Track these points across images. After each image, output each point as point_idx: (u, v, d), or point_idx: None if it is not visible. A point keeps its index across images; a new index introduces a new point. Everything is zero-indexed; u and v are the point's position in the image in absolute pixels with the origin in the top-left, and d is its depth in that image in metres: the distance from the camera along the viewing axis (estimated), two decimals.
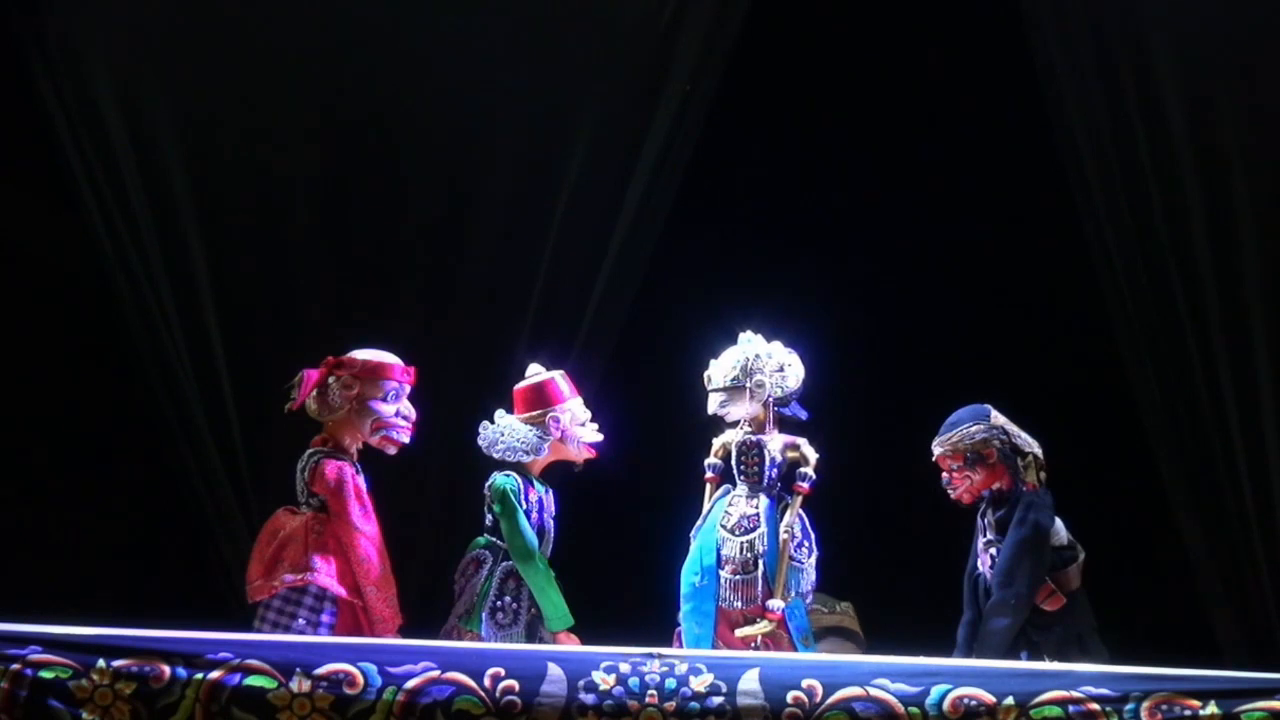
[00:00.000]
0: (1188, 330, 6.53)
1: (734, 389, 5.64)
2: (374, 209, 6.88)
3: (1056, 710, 4.88)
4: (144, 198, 6.79)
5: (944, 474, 5.75)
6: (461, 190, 6.87)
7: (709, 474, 5.74)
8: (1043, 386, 6.73)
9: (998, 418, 5.73)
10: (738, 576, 5.57)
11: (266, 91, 6.86)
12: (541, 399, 5.74)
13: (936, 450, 5.75)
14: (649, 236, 6.81)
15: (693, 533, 5.69)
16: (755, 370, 5.64)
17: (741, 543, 5.59)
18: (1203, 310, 6.53)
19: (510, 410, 5.75)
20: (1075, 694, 4.89)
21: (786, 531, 5.59)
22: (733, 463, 5.68)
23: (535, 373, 5.81)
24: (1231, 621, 6.43)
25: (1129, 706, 4.87)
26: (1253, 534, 6.41)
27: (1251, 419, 6.45)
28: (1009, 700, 4.88)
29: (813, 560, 5.65)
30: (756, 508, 5.62)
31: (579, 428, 5.75)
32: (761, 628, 5.53)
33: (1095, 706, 4.88)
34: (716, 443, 5.76)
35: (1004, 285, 7.01)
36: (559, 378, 5.80)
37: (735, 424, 5.69)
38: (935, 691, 4.89)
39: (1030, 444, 5.72)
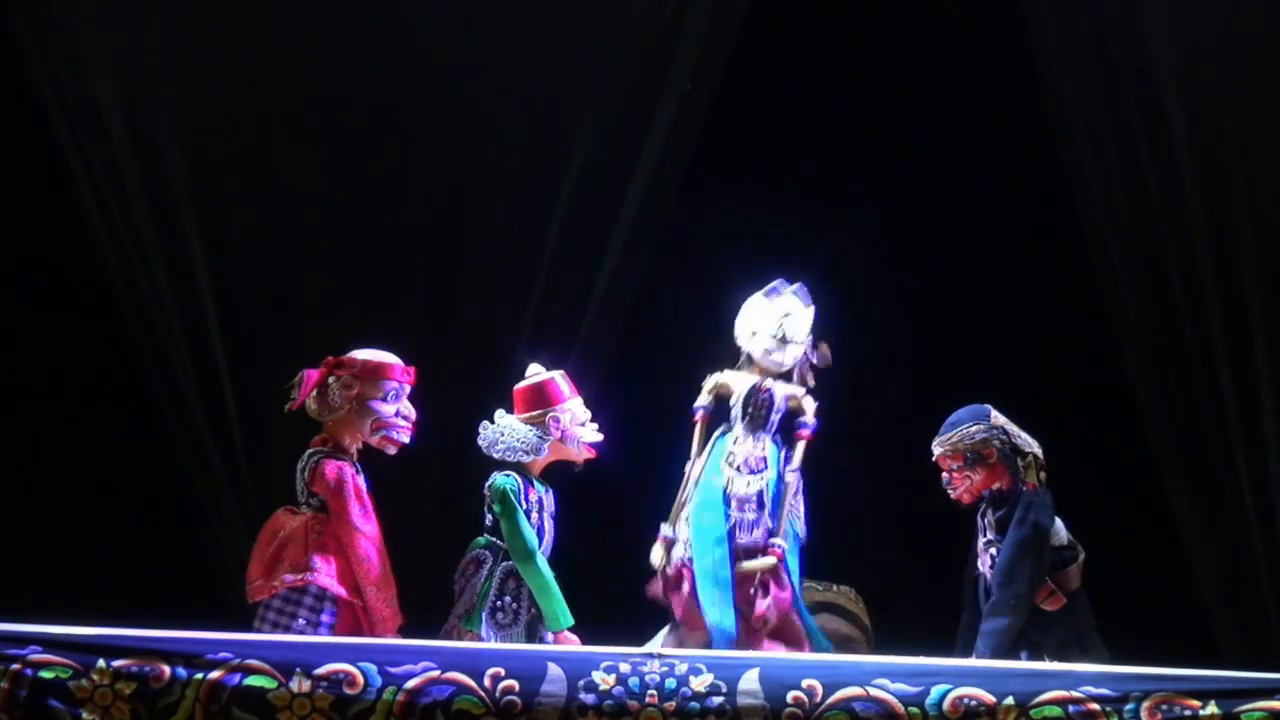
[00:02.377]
0: (1188, 330, 6.53)
1: (796, 344, 5.77)
2: (374, 209, 6.87)
3: (1056, 710, 4.88)
4: (144, 198, 6.78)
5: (944, 474, 5.76)
6: (462, 190, 6.87)
7: (699, 414, 5.80)
8: (1043, 386, 6.73)
9: (998, 418, 5.73)
10: (744, 514, 5.66)
11: (266, 90, 6.86)
12: (541, 399, 5.73)
13: (936, 450, 5.75)
14: (649, 236, 6.81)
15: (688, 468, 5.73)
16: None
17: (749, 480, 5.68)
18: (1203, 310, 6.53)
19: (510, 410, 5.75)
20: (1075, 694, 4.90)
21: (793, 473, 5.70)
22: (738, 405, 5.74)
23: (535, 373, 5.80)
24: (1231, 621, 6.43)
25: (1129, 706, 4.88)
26: (1253, 534, 6.42)
27: (1251, 419, 6.45)
28: (1009, 700, 4.89)
29: (802, 513, 5.74)
30: (763, 450, 5.71)
31: (579, 428, 5.75)
32: (765, 562, 5.59)
33: (1095, 706, 4.88)
34: (711, 382, 5.82)
35: (1004, 285, 7.01)
36: (559, 378, 5.80)
37: (755, 371, 5.79)
38: (935, 691, 4.89)
39: (1030, 444, 5.72)
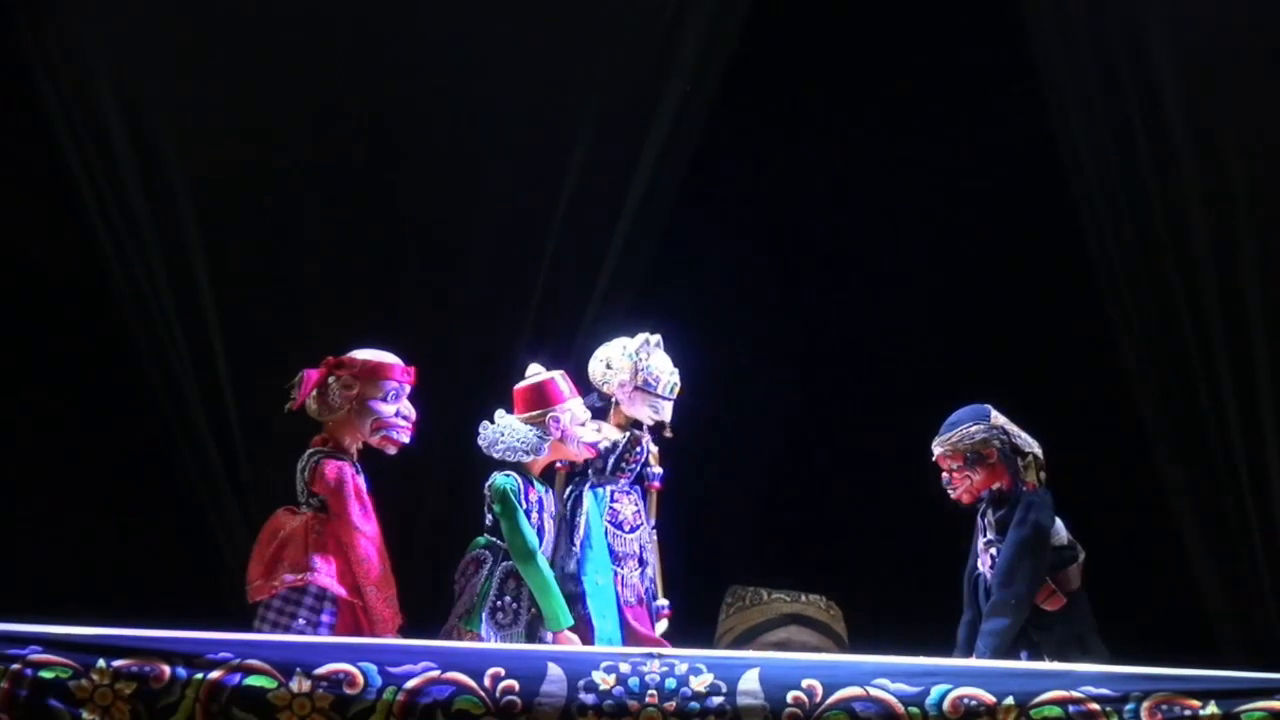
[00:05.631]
0: (1188, 330, 6.53)
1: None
2: (374, 209, 6.88)
3: (1056, 710, 4.88)
4: (144, 198, 6.79)
5: (944, 474, 5.76)
6: (462, 190, 6.87)
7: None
8: (1043, 386, 6.73)
9: (998, 418, 5.73)
10: (633, 573, 5.72)
11: (266, 90, 6.86)
12: (541, 399, 5.73)
13: (936, 450, 5.75)
14: (649, 236, 6.81)
15: (578, 537, 5.71)
16: None
17: (627, 538, 5.75)
18: (1203, 311, 6.53)
19: (510, 410, 5.75)
20: (1075, 694, 4.90)
21: (653, 529, 5.81)
22: (613, 457, 5.74)
23: (535, 373, 5.80)
24: (1231, 621, 6.43)
25: (1129, 706, 4.88)
26: (1253, 534, 6.42)
27: (1251, 419, 6.45)
28: (1009, 700, 4.89)
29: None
30: (636, 504, 5.80)
31: (579, 428, 5.75)
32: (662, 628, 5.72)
33: (1095, 706, 4.88)
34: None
35: (1004, 285, 7.02)
36: (559, 378, 5.80)
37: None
38: (935, 691, 4.89)
39: (1030, 444, 5.73)
